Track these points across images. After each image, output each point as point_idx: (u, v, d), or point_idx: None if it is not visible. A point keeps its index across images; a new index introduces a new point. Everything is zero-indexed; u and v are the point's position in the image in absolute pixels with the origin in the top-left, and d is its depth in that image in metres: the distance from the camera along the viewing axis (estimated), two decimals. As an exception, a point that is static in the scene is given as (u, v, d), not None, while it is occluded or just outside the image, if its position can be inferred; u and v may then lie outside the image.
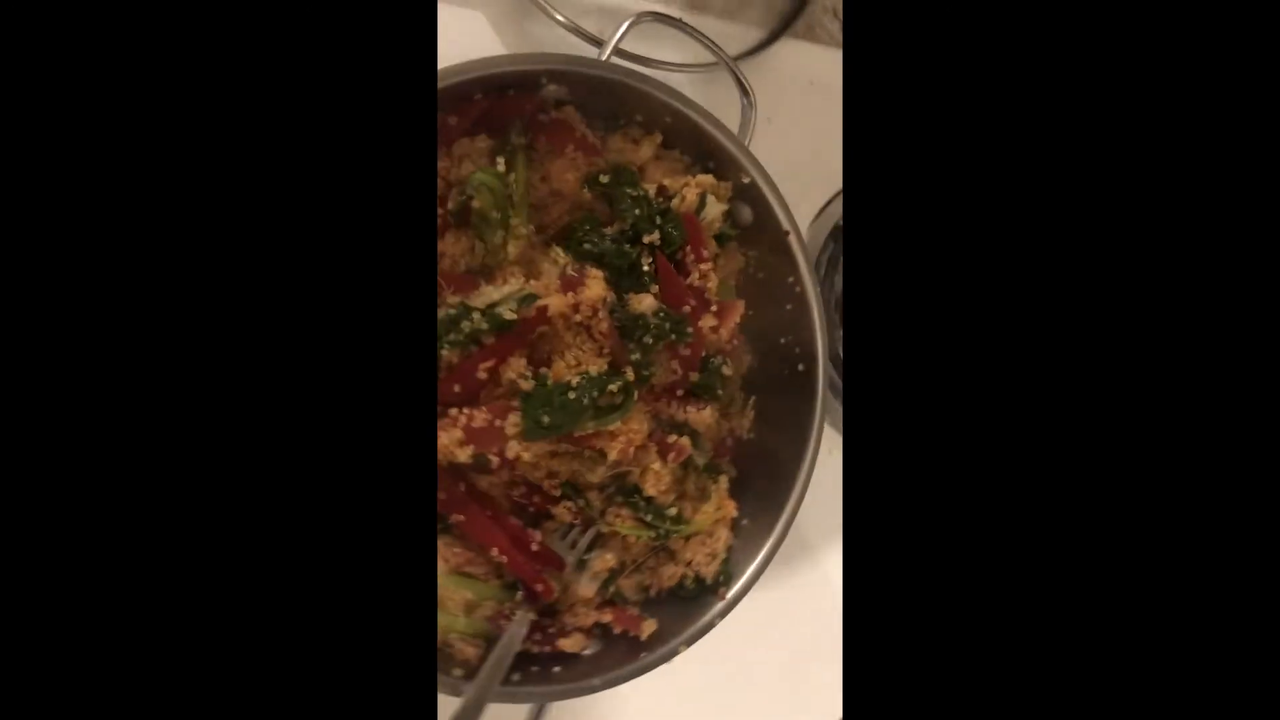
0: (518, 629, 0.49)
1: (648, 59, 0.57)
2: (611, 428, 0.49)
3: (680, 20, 0.53)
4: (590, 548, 0.54)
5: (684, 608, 0.54)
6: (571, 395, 0.47)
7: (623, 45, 0.51)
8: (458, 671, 0.47)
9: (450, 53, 0.45)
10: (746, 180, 0.52)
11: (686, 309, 0.52)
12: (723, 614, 0.53)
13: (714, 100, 0.53)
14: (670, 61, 0.58)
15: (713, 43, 0.54)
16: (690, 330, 0.52)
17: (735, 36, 0.63)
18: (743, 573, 0.54)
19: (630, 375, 0.50)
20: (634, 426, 0.50)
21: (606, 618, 0.52)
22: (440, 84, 0.43)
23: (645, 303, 0.50)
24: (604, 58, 0.49)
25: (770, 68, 0.64)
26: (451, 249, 0.48)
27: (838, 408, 0.64)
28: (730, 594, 0.54)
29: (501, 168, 0.46)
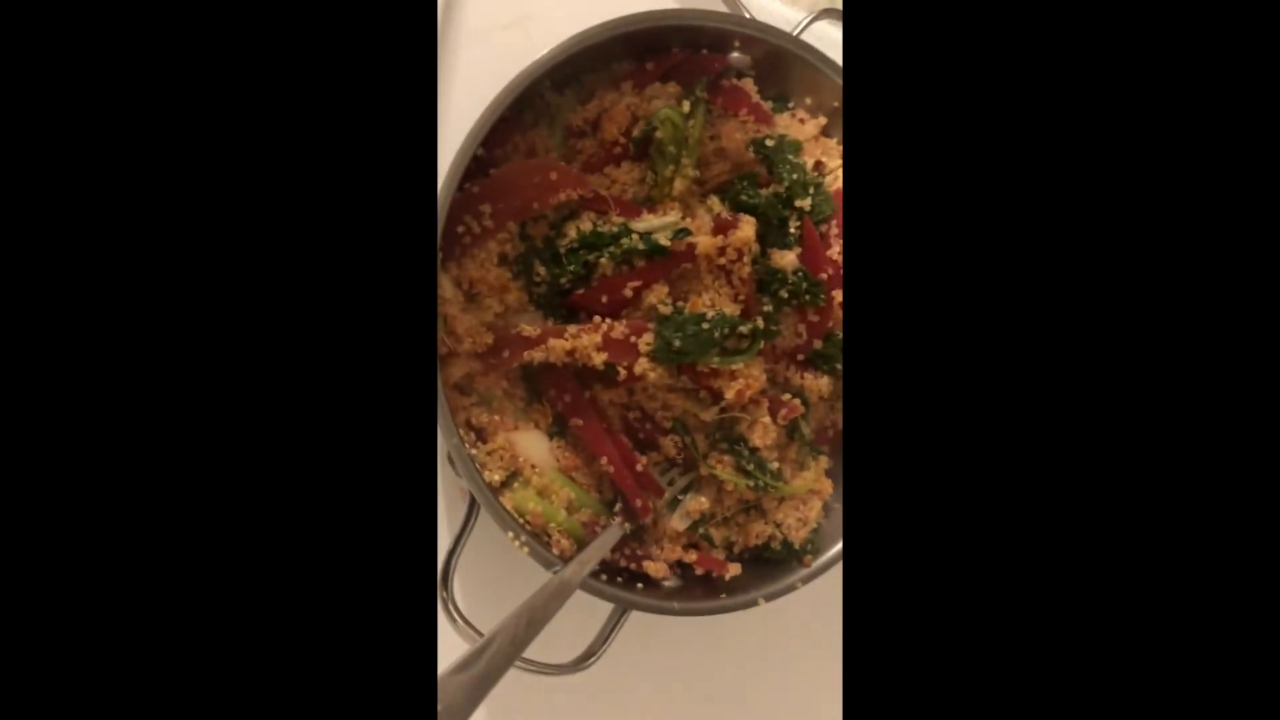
0: (612, 534, 0.51)
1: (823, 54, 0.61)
2: (732, 368, 0.52)
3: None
4: (687, 489, 0.56)
5: (767, 569, 0.55)
6: (704, 326, 0.50)
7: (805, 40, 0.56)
8: (555, 554, 0.49)
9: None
10: (899, 172, 0.55)
11: (823, 276, 0.54)
12: (806, 580, 0.53)
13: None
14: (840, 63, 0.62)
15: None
16: (824, 296, 0.54)
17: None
18: (829, 549, 0.55)
19: (759, 323, 0.52)
20: (753, 373, 0.52)
21: (691, 558, 0.54)
22: (648, 24, 0.49)
23: (787, 259, 0.53)
24: (792, 34, 0.54)
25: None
26: (624, 177, 0.52)
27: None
28: (816, 563, 0.54)
29: (685, 110, 0.51)
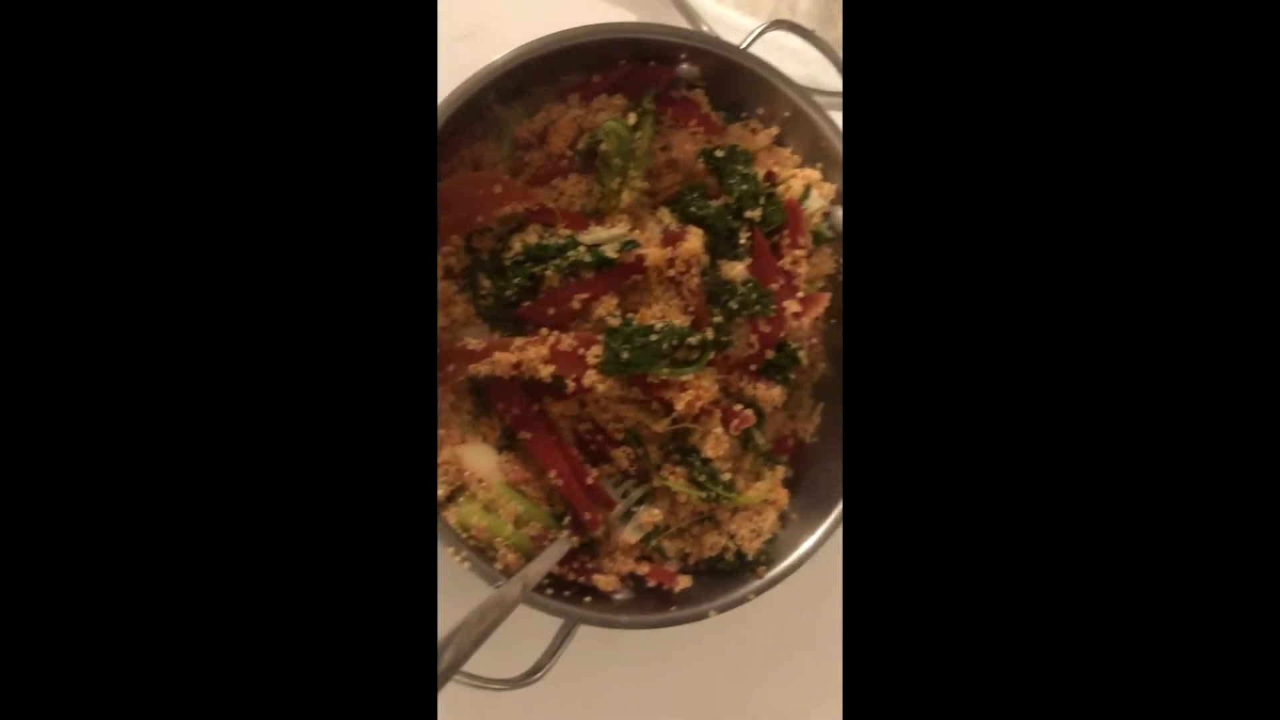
0: (559, 548, 0.51)
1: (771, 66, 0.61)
2: (682, 379, 0.52)
3: (812, 32, 0.58)
4: (640, 501, 0.55)
5: (720, 580, 0.55)
6: (652, 338, 0.50)
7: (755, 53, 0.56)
8: (498, 567, 0.49)
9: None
10: (851, 182, 0.55)
11: (774, 287, 0.54)
12: (758, 591, 0.53)
13: (837, 119, 0.57)
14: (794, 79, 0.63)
15: (838, 56, 0.58)
16: (774, 306, 0.54)
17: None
18: (783, 559, 0.55)
19: (709, 335, 0.52)
20: (703, 384, 0.52)
21: (643, 569, 0.53)
22: (594, 37, 0.49)
23: (736, 270, 0.53)
24: (740, 47, 0.54)
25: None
26: (572, 189, 0.52)
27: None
28: (769, 574, 0.54)
29: (631, 121, 0.51)
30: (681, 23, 0.60)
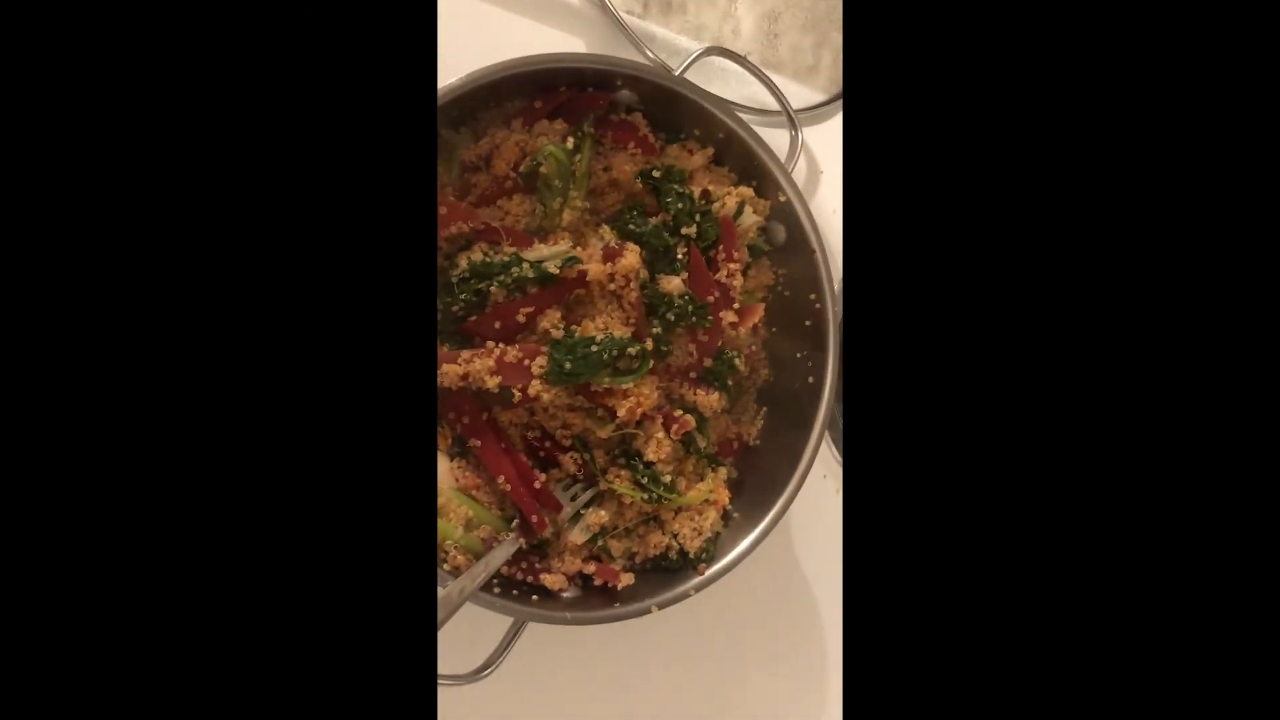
0: (505, 549, 0.53)
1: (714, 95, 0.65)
2: (624, 387, 0.55)
3: (745, 58, 0.62)
4: (588, 504, 0.58)
5: (664, 577, 0.58)
6: (594, 349, 0.53)
7: (693, 79, 0.59)
8: (446, 569, 0.51)
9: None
10: (783, 199, 0.59)
11: (710, 299, 0.57)
12: (699, 587, 0.56)
13: (766, 136, 0.61)
14: (733, 102, 0.66)
15: (770, 81, 0.62)
16: (709, 318, 0.57)
17: (800, 95, 0.71)
18: (724, 555, 0.58)
19: (649, 345, 0.55)
20: (644, 392, 0.55)
21: (590, 569, 0.56)
22: (533, 66, 0.52)
23: (673, 284, 0.56)
24: (675, 74, 0.58)
25: (828, 128, 0.72)
26: (516, 209, 0.55)
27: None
28: (710, 570, 0.57)
29: (570, 146, 0.55)
30: (629, 48, 0.63)
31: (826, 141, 0.69)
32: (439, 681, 0.50)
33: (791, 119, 0.62)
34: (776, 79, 0.67)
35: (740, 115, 0.58)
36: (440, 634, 0.46)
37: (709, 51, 0.60)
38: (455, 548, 0.52)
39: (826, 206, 0.70)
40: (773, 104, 0.64)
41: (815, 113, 0.70)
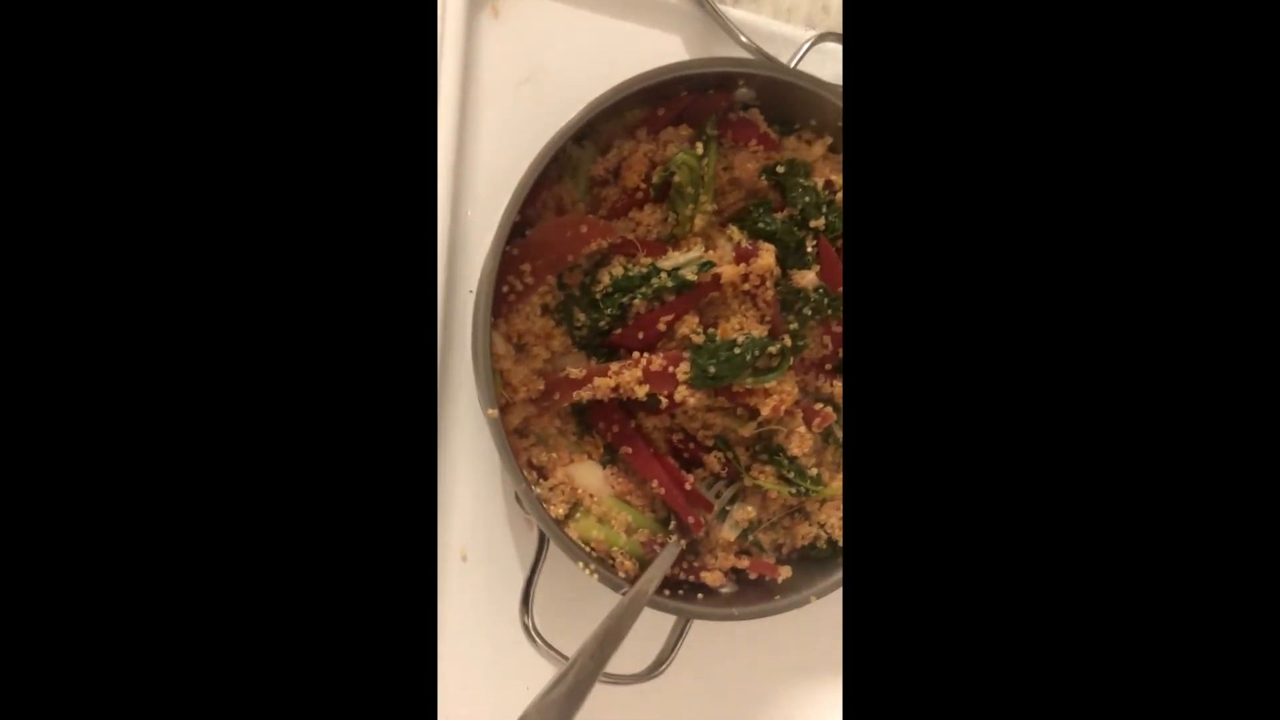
0: (670, 552, 0.55)
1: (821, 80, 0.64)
2: (766, 386, 0.55)
3: (857, 41, 0.61)
4: (733, 500, 0.60)
5: (816, 566, 0.59)
6: (735, 351, 0.54)
7: (800, 67, 0.59)
8: (621, 576, 0.53)
9: (654, 65, 0.55)
10: (906, 182, 0.58)
11: (842, 289, 0.57)
12: (852, 574, 0.57)
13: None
14: (839, 84, 0.65)
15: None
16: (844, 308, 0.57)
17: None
18: (873, 542, 0.59)
19: (787, 341, 0.56)
20: (785, 389, 0.56)
21: (744, 564, 0.58)
22: (655, 80, 0.52)
23: (807, 279, 0.56)
24: (792, 66, 0.57)
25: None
26: (647, 219, 0.56)
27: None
28: (860, 557, 0.58)
29: (699, 151, 0.55)
30: (726, 40, 0.63)
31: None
32: (621, 681, 0.53)
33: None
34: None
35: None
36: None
37: (822, 39, 0.59)
38: (622, 554, 0.54)
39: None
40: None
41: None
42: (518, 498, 0.53)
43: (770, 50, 0.63)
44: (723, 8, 0.63)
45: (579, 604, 0.55)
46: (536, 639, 0.51)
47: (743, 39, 0.63)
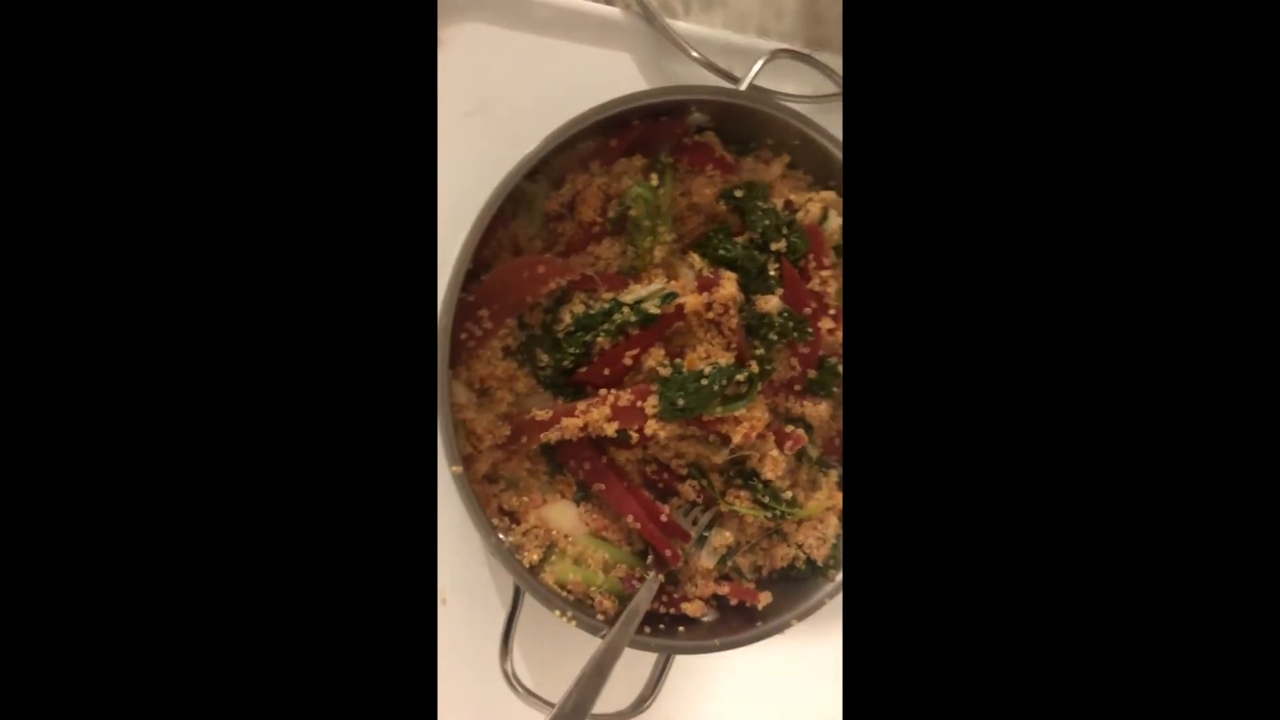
0: (649, 588, 0.55)
1: (776, 92, 0.63)
2: (736, 414, 0.55)
3: (810, 56, 0.60)
4: (710, 525, 0.59)
5: (795, 587, 0.59)
6: (703, 382, 0.53)
7: (755, 81, 0.58)
8: (600, 618, 0.53)
9: (603, 88, 0.53)
10: (865, 197, 0.57)
11: (807, 311, 0.57)
12: (832, 594, 0.57)
13: (835, 127, 0.59)
14: (796, 94, 0.64)
15: (836, 74, 0.60)
16: (810, 330, 0.57)
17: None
18: (851, 559, 0.59)
19: (754, 368, 0.55)
20: (756, 414, 0.56)
21: (724, 590, 0.58)
22: (607, 113, 0.51)
23: (771, 303, 0.56)
24: (743, 89, 0.56)
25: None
26: (606, 252, 0.55)
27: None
28: (840, 577, 0.58)
29: (654, 182, 0.54)
30: (679, 56, 0.61)
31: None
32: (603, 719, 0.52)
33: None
34: (826, 57, 0.64)
35: (807, 109, 0.56)
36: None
37: (773, 56, 0.58)
38: (600, 593, 0.54)
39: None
40: (832, 87, 0.62)
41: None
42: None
43: (724, 64, 0.62)
44: (672, 23, 0.62)
45: (560, 647, 0.54)
46: (517, 686, 0.51)
47: (694, 54, 0.62)
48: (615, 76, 0.63)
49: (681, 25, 0.63)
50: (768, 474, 0.57)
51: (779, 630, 0.56)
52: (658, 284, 0.54)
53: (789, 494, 0.58)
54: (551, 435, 0.53)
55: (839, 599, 0.57)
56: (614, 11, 0.61)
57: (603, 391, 0.54)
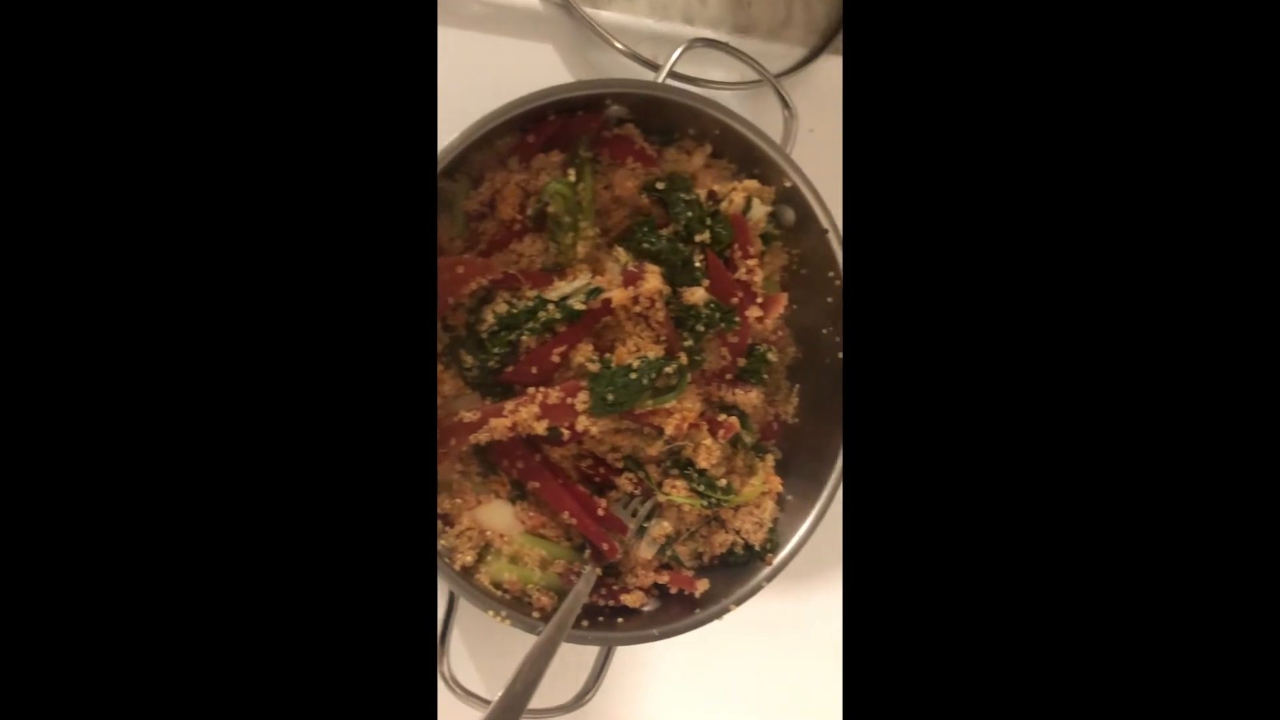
0: (586, 582, 0.55)
1: (698, 79, 0.63)
2: (667, 406, 0.55)
3: (727, 44, 0.60)
4: (649, 516, 0.60)
5: (734, 573, 0.60)
6: (632, 376, 0.54)
7: (676, 68, 0.57)
8: (536, 615, 0.53)
9: (526, 81, 0.53)
10: (788, 184, 0.58)
11: (734, 300, 0.57)
12: (769, 578, 0.58)
13: (759, 112, 0.59)
14: (719, 80, 0.64)
15: (756, 63, 0.60)
16: (737, 319, 0.57)
17: (779, 55, 0.69)
18: (788, 542, 0.60)
19: (684, 359, 0.56)
20: (687, 405, 0.56)
21: (664, 579, 0.58)
22: (522, 109, 0.51)
23: (697, 295, 0.56)
24: (660, 80, 0.56)
25: (812, 83, 0.70)
26: (528, 249, 0.55)
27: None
28: (776, 560, 0.59)
29: (572, 178, 0.53)
30: (600, 45, 0.61)
31: (813, 99, 0.68)
32: (546, 715, 0.53)
33: (785, 101, 0.60)
34: (752, 43, 0.64)
35: (731, 95, 0.56)
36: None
37: (691, 45, 0.58)
38: (538, 590, 0.54)
39: (826, 171, 0.68)
40: (756, 75, 0.62)
41: (800, 74, 0.68)
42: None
43: (648, 53, 0.62)
44: (592, 12, 0.61)
45: (501, 646, 0.55)
46: (455, 687, 0.51)
47: (617, 45, 0.61)
48: (537, 66, 0.62)
49: (605, 15, 0.62)
50: (702, 463, 0.58)
51: (717, 616, 0.57)
52: (582, 280, 0.54)
53: (723, 481, 0.59)
54: (481, 436, 0.53)
55: (776, 582, 0.58)
56: (533, 3, 0.60)
57: (531, 390, 0.54)
